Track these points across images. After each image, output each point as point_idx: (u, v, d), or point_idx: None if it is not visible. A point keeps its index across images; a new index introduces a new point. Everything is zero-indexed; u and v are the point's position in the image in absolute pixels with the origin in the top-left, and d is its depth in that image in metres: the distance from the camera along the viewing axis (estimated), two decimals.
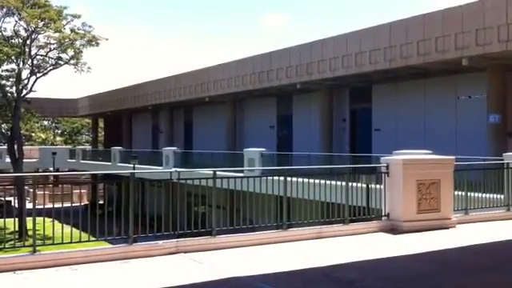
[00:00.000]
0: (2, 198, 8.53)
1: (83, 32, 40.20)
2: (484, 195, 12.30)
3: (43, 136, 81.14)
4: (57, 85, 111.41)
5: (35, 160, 53.69)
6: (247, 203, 9.91)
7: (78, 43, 40.17)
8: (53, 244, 8.04)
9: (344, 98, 31.35)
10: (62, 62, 41.09)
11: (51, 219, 8.16)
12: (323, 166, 19.56)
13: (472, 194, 12.01)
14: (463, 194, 11.74)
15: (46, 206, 8.56)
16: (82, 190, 47.08)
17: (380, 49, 24.54)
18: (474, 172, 12.56)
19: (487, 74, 22.40)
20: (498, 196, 12.50)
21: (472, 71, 23.34)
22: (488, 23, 20.20)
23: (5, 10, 38.86)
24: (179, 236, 8.76)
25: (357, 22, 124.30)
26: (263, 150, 27.25)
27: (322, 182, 10.77)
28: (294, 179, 10.24)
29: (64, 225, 8.00)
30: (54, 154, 49.81)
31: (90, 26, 40.45)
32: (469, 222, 11.27)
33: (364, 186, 11.42)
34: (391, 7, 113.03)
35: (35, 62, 40.57)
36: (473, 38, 20.70)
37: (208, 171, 9.81)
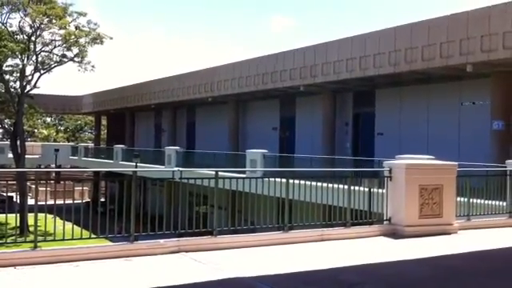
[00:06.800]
0: (4, 194, 8.53)
1: (88, 30, 40.24)
2: (486, 202, 12.28)
3: (46, 132, 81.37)
4: (61, 81, 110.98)
5: (37, 156, 53.67)
6: (249, 204, 9.89)
7: (82, 41, 40.20)
8: (54, 240, 8.03)
9: (347, 101, 31.33)
10: (66, 60, 41.14)
11: (52, 216, 8.17)
12: (325, 169, 19.52)
13: (474, 201, 11.98)
14: (465, 200, 11.72)
15: (47, 203, 8.54)
16: (84, 188, 47.04)
17: (384, 53, 24.51)
18: (476, 178, 12.54)
19: (491, 80, 22.38)
20: (501, 203, 12.48)
21: (476, 77, 23.31)
22: (493, 29, 20.16)
23: (10, 5, 38.93)
24: (180, 235, 8.75)
25: (362, 25, 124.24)
26: (265, 151, 27.22)
27: (324, 184, 10.76)
28: (296, 181, 10.23)
29: (65, 221, 8.00)
30: (57, 150, 49.81)
31: (95, 24, 40.51)
32: (471, 229, 11.25)
33: (366, 189, 11.40)
34: (397, 11, 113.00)
35: (40, 58, 40.61)
36: (478, 44, 20.66)
37: (210, 171, 9.80)
